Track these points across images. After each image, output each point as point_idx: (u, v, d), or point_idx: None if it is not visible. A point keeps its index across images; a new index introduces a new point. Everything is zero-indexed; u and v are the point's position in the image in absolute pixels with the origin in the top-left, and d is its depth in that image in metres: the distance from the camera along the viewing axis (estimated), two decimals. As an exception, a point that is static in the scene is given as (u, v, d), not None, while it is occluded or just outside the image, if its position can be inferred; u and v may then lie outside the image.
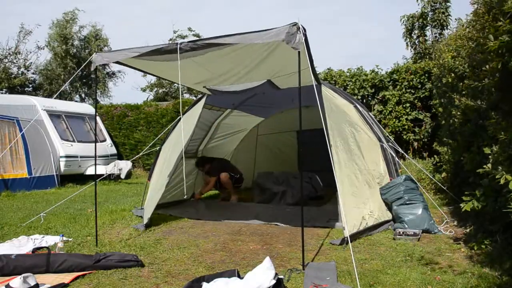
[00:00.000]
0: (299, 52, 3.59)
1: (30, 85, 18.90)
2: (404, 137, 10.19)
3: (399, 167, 6.33)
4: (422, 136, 10.11)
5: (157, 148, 7.52)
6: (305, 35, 3.59)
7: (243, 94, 6.50)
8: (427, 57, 13.40)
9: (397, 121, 10.21)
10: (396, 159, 6.12)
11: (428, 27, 14.37)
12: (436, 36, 14.17)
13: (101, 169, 11.02)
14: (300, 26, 3.53)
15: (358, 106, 6.07)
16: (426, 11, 14.06)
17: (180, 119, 6.75)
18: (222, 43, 3.91)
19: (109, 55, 4.52)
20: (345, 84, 10.70)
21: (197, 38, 4.44)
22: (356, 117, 5.89)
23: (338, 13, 45.36)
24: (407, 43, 14.66)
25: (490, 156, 3.32)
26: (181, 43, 4.04)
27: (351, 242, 3.65)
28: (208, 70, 5.30)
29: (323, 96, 4.98)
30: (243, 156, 9.50)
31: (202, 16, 38.65)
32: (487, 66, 3.32)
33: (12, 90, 17.64)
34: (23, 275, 3.15)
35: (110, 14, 37.22)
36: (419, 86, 10.16)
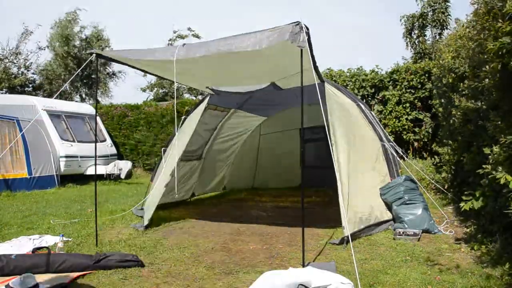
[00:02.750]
0: (301, 50, 3.58)
1: (30, 85, 18.89)
2: (404, 137, 10.18)
3: (399, 167, 6.33)
4: (422, 136, 10.10)
5: (157, 147, 7.52)
6: (308, 33, 3.58)
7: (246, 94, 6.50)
8: (427, 57, 13.39)
9: (397, 121, 10.20)
10: (397, 158, 6.12)
11: (428, 27, 14.37)
12: (436, 36, 14.17)
13: (101, 169, 11.02)
14: (303, 25, 3.53)
15: (361, 105, 6.07)
16: (426, 11, 14.05)
17: (185, 119, 6.75)
18: (221, 51, 3.89)
19: (110, 53, 4.52)
20: (345, 84, 10.68)
21: (197, 42, 4.41)
22: (359, 115, 5.89)
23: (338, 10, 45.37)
24: (407, 43, 14.65)
25: (490, 157, 3.32)
26: (177, 54, 4.04)
27: (351, 242, 3.65)
28: (209, 72, 5.30)
29: (327, 94, 4.97)
30: (245, 155, 9.48)
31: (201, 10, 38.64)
32: (487, 67, 3.33)
33: (12, 90, 17.62)
34: (23, 275, 3.15)
35: (109, 13, 37.21)
36: (419, 86, 10.15)
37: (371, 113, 6.40)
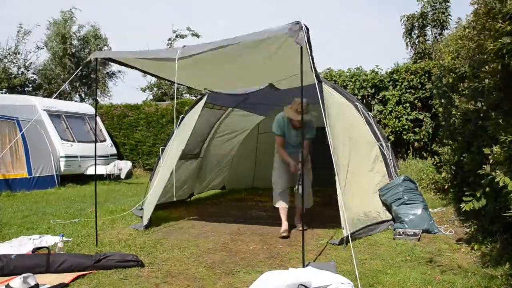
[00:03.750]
0: (301, 48, 3.58)
1: (30, 85, 18.87)
2: (404, 137, 10.18)
3: (398, 167, 6.32)
4: (422, 136, 10.10)
5: (157, 147, 7.52)
6: (307, 33, 3.57)
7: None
8: (427, 57, 13.39)
9: (397, 121, 10.20)
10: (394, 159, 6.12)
11: (428, 27, 14.37)
12: (436, 36, 14.17)
13: (101, 169, 11.01)
14: (303, 25, 3.52)
15: (358, 105, 6.07)
16: (426, 11, 14.06)
17: (182, 118, 6.75)
18: (221, 46, 3.92)
19: (110, 53, 4.51)
20: (345, 84, 10.69)
21: (198, 44, 4.43)
22: (356, 116, 5.88)
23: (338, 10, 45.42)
24: (407, 43, 14.66)
25: (490, 157, 3.32)
26: (179, 53, 4.05)
27: (351, 242, 3.65)
28: (209, 74, 5.30)
29: (324, 94, 4.97)
30: (244, 154, 9.47)
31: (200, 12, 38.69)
32: (487, 67, 3.33)
33: (12, 90, 17.61)
34: (23, 275, 3.15)
35: (108, 13, 37.21)
36: (419, 86, 10.15)
37: (368, 113, 6.40)
